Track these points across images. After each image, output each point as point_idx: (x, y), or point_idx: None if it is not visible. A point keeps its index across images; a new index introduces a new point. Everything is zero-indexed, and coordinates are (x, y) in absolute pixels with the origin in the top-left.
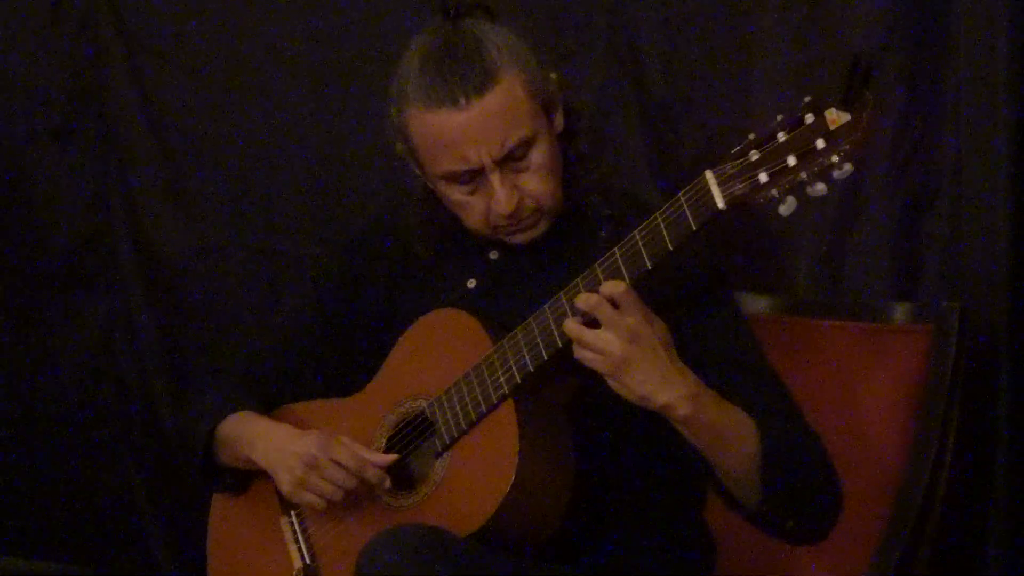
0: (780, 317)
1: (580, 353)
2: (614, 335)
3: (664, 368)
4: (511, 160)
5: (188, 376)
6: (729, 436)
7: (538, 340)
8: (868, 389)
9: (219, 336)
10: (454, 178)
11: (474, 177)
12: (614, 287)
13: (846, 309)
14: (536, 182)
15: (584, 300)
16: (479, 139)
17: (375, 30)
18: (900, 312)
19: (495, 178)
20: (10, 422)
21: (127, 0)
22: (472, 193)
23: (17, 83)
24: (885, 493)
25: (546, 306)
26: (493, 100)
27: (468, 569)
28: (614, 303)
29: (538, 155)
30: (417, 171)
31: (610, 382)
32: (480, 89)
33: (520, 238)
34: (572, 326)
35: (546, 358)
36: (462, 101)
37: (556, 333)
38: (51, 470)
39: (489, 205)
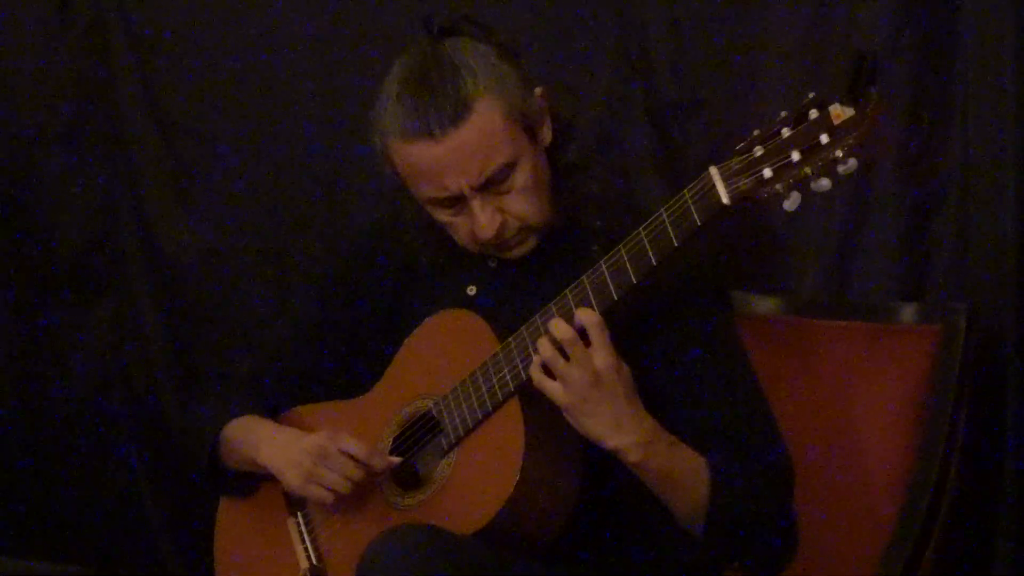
0: (787, 317)
1: (541, 383)
2: (579, 374)
3: (619, 414)
4: (492, 185)
5: (196, 378)
6: (677, 483)
7: (542, 336)
8: (875, 390)
9: (227, 338)
10: (436, 203)
11: (456, 202)
12: (587, 317)
13: (853, 309)
14: (519, 203)
15: (559, 330)
16: (456, 170)
17: (383, 31)
18: (907, 313)
19: (475, 204)
20: (18, 423)
21: (135, 2)
22: (456, 215)
23: (25, 85)
24: (892, 495)
25: (552, 304)
26: (468, 131)
27: (471, 569)
28: (585, 338)
29: (521, 176)
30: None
31: (565, 415)
32: (455, 120)
33: (509, 255)
34: (535, 370)
35: None
36: (437, 133)
37: None
38: (59, 471)
39: (473, 228)
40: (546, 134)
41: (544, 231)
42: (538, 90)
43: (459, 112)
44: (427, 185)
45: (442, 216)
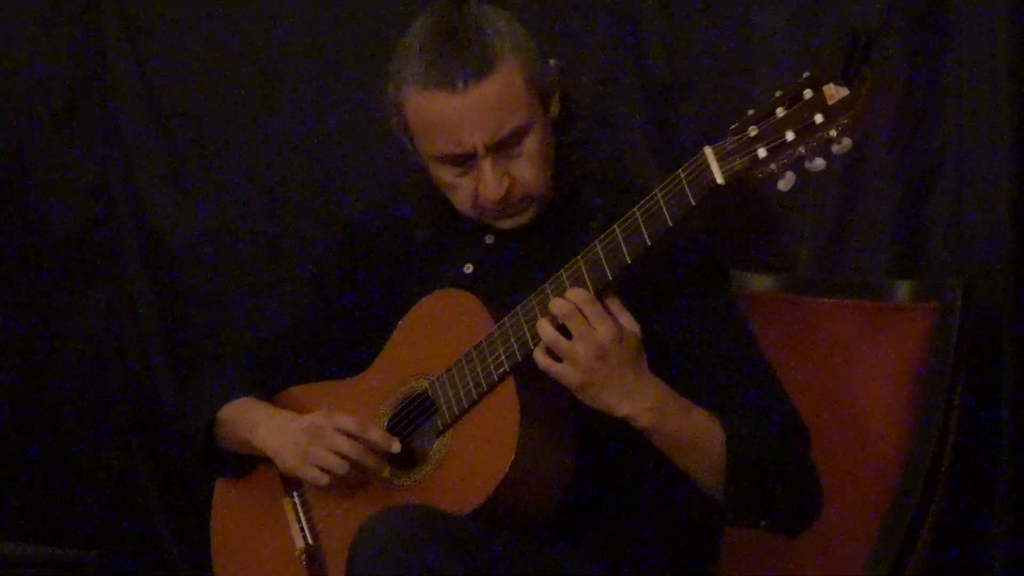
0: (782, 295)
1: (548, 368)
2: (584, 350)
3: (627, 381)
4: (504, 147)
5: (191, 361)
6: (693, 446)
7: (539, 317)
8: (871, 368)
9: (222, 321)
10: (446, 160)
11: (466, 160)
12: (578, 295)
13: (849, 288)
14: (527, 170)
15: (557, 306)
16: (474, 125)
17: (379, 14)
18: (903, 290)
19: (486, 164)
20: (15, 408)
21: None
22: (462, 175)
23: (19, 69)
24: (889, 472)
25: (546, 284)
26: (491, 87)
27: (463, 549)
28: (583, 313)
29: (532, 143)
30: (410, 148)
31: (577, 394)
32: (479, 75)
33: (507, 224)
34: (540, 354)
35: None
36: (460, 85)
37: None
38: (55, 455)
39: (478, 189)
40: (556, 106)
41: (543, 203)
42: (552, 63)
43: (483, 68)
44: (441, 139)
45: (447, 175)
